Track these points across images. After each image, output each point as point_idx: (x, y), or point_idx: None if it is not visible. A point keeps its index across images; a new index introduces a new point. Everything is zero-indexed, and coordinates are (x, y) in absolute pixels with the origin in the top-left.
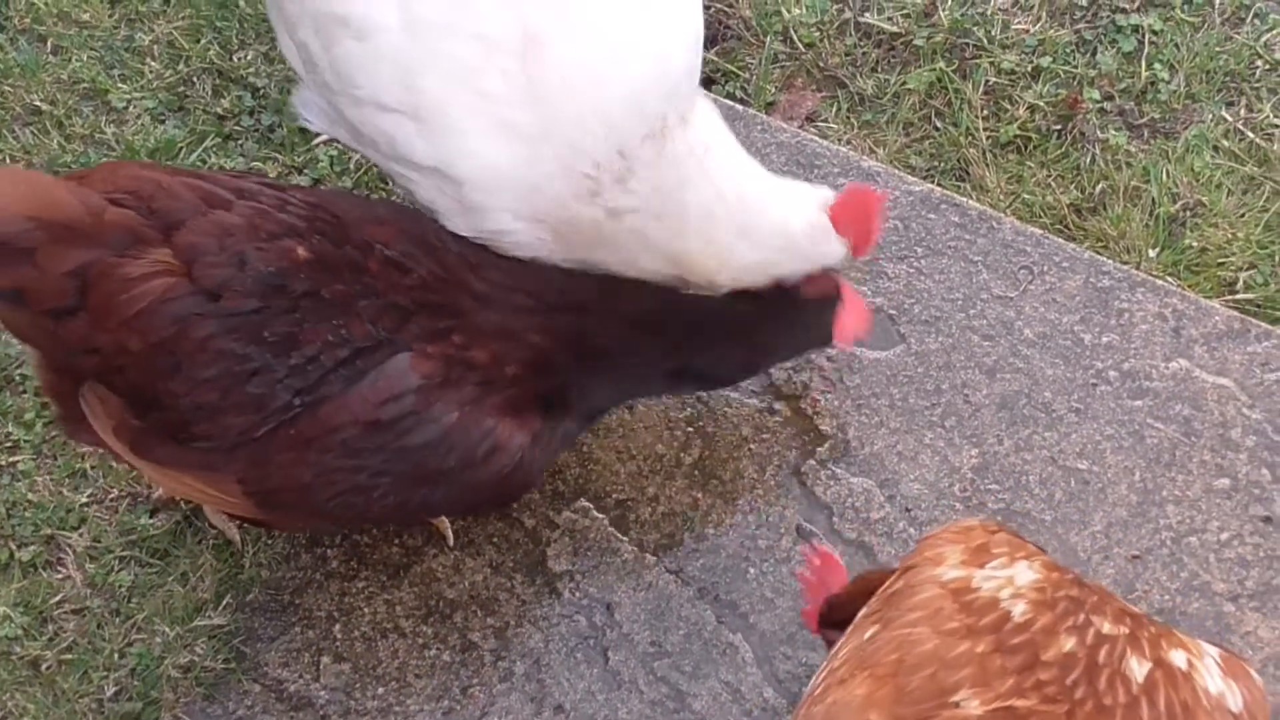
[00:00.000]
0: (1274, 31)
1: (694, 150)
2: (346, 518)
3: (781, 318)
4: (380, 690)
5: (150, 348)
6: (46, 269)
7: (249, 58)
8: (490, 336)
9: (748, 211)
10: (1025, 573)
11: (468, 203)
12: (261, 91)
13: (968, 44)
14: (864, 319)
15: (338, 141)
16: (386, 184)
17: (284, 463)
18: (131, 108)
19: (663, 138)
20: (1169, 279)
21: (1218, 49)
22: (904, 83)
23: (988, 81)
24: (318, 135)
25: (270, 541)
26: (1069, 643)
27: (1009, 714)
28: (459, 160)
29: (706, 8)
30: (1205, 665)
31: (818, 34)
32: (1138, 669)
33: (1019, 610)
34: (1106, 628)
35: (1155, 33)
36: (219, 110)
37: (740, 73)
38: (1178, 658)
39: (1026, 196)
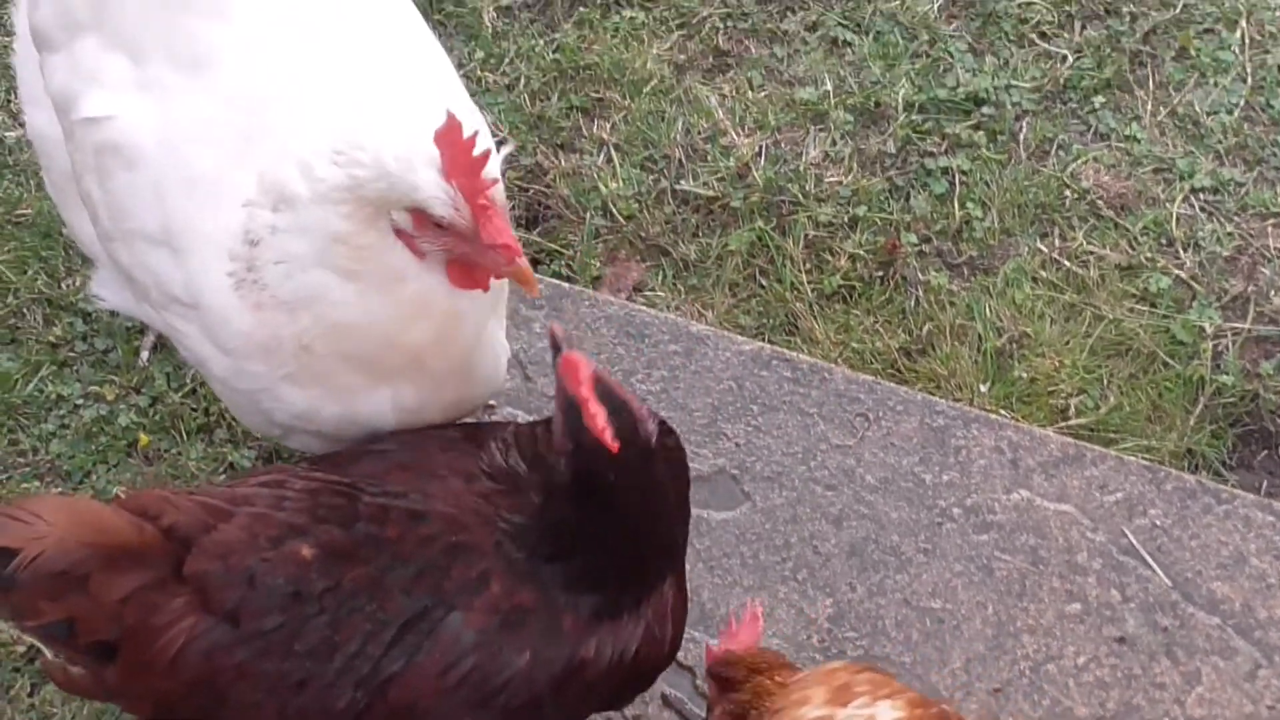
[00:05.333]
0: (1079, 161)
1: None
2: None
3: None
4: None
5: (189, 687)
6: (99, 596)
7: (77, 284)
8: (525, 576)
9: None
10: (887, 712)
11: (224, 345)
12: (93, 316)
13: (784, 201)
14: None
15: (171, 354)
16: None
17: None
18: None
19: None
20: (1002, 412)
21: (1026, 183)
22: (725, 244)
23: (807, 235)
24: (144, 353)
25: None
26: None
27: None
28: (204, 292)
29: (525, 190)
30: None
31: (636, 205)
32: None
33: None
34: None
35: (965, 172)
36: (51, 339)
37: (564, 250)
38: None
39: (856, 344)
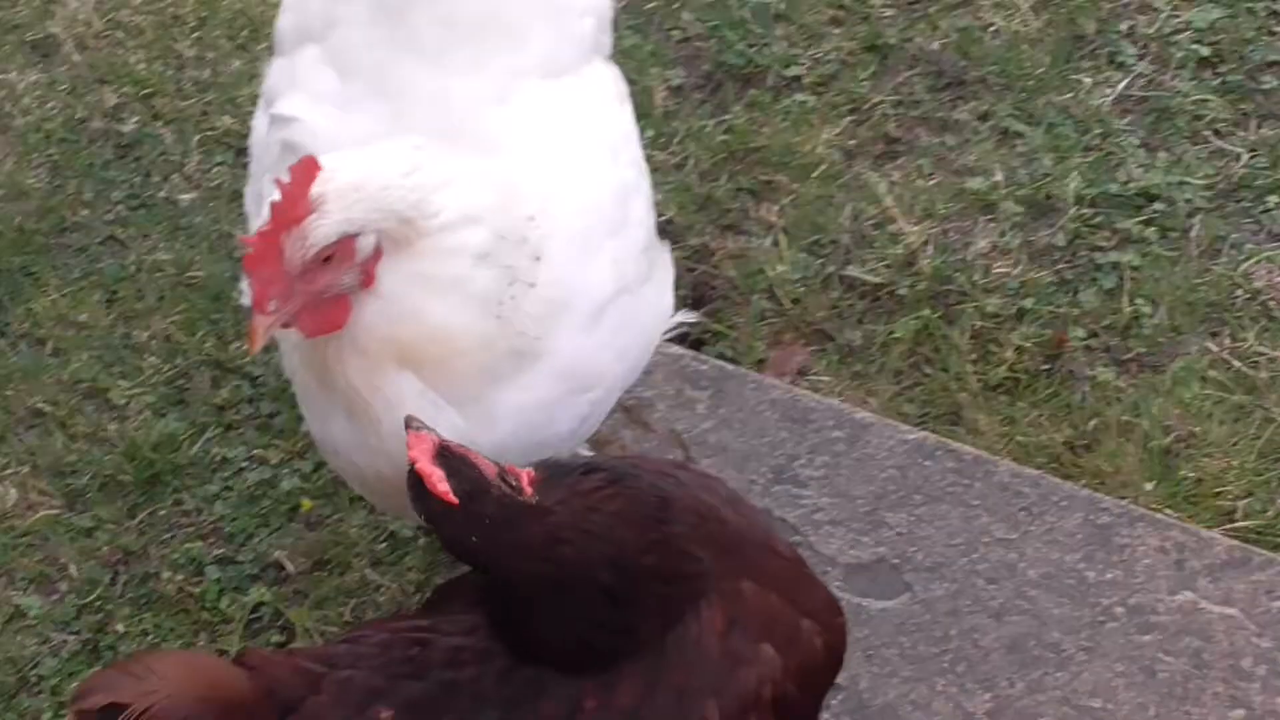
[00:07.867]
0: (1251, 261)
1: None
2: None
3: None
4: None
5: None
6: None
7: (245, 347)
8: (600, 685)
9: None
10: None
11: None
12: (260, 380)
13: (951, 290)
14: None
15: None
16: None
17: None
18: (132, 404)
19: None
20: (1167, 511)
21: (1197, 281)
22: (891, 332)
23: (973, 326)
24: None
25: None
26: None
27: None
28: None
29: (691, 270)
30: None
31: (802, 289)
32: None
33: None
34: None
35: (1134, 268)
36: (218, 401)
37: (729, 332)
38: None
39: (1020, 437)
